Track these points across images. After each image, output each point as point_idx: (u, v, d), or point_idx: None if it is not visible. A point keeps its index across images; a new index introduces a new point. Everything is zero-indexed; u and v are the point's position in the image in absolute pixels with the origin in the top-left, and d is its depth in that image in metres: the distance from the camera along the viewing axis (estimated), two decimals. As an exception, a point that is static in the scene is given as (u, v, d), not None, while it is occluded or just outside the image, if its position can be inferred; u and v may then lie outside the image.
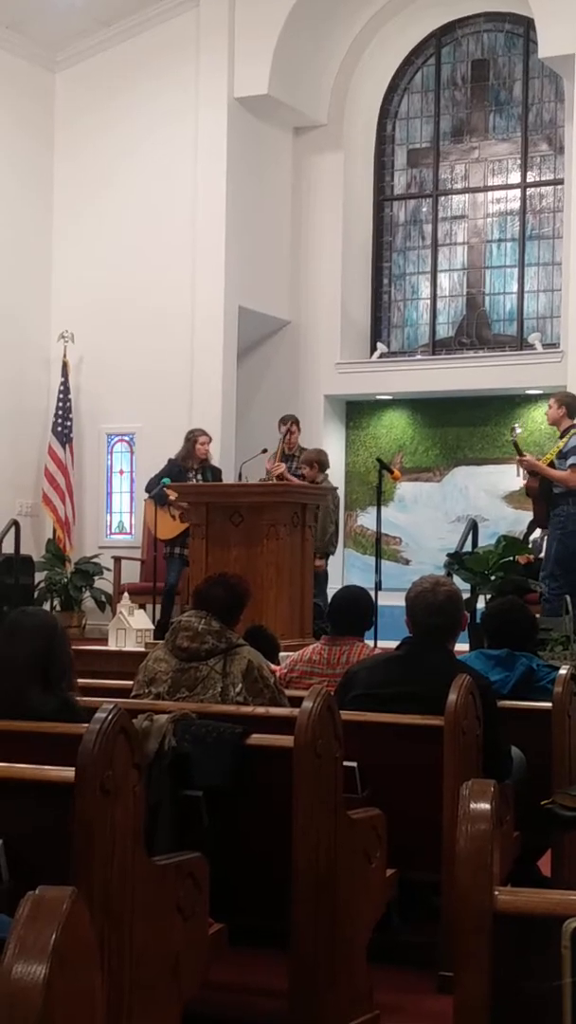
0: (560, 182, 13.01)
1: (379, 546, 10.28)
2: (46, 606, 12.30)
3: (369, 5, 13.49)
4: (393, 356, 13.79)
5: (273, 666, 5.26)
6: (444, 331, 13.82)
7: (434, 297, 13.80)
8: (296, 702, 4.02)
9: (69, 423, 13.16)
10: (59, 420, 13.13)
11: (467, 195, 13.72)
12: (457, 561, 9.91)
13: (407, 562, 13.30)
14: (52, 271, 13.53)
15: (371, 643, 6.30)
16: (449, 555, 10.24)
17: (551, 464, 9.89)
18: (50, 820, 2.95)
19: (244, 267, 13.01)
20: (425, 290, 13.88)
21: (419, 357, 13.72)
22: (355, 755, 4.04)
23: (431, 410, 13.47)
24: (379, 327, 14.03)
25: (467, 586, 9.46)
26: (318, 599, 10.07)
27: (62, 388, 13.17)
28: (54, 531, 13.10)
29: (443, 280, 13.84)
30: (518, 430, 10.94)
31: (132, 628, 9.43)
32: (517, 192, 13.45)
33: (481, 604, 8.85)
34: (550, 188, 13.31)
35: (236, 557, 8.88)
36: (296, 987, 3.53)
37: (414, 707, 4.44)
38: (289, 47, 12.83)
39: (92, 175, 13.36)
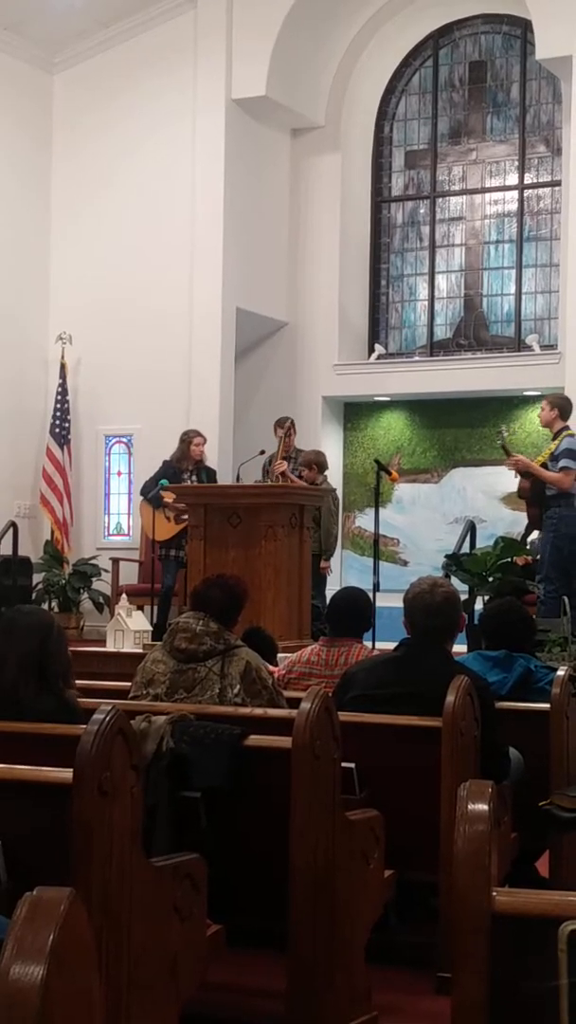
0: (558, 184, 13.02)
1: (377, 547, 10.29)
2: (44, 608, 12.29)
3: (367, 7, 13.50)
4: (391, 357, 13.79)
5: (271, 667, 5.26)
6: (442, 332, 13.82)
7: (432, 298, 13.81)
8: (294, 703, 4.02)
9: (67, 424, 13.16)
10: (57, 421, 13.13)
11: (465, 197, 13.73)
12: (455, 562, 9.92)
13: (405, 563, 13.30)
14: (50, 272, 13.53)
15: (369, 644, 6.30)
16: (447, 556, 10.25)
17: (543, 466, 9.89)
18: (48, 821, 2.95)
19: (242, 269, 13.02)
20: (423, 291, 13.88)
21: (417, 358, 13.72)
22: (353, 756, 4.04)
23: (429, 411, 13.47)
24: (377, 328, 14.03)
25: (465, 587, 9.47)
26: (316, 600, 10.08)
27: (60, 389, 13.17)
28: (52, 532, 13.10)
29: (441, 281, 13.85)
30: (505, 433, 10.96)
31: (130, 629, 9.45)
32: (515, 194, 13.46)
33: (479, 605, 8.86)
34: (548, 190, 13.31)
35: (234, 558, 8.88)
36: (294, 988, 3.53)
37: (412, 708, 4.44)
38: (287, 49, 12.84)
39: (90, 176, 13.37)
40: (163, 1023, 3.04)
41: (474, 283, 13.69)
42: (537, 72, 13.15)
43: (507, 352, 13.29)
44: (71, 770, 2.79)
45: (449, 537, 12.28)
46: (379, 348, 13.77)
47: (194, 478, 10.82)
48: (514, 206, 13.46)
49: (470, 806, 2.27)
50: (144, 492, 11.12)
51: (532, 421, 12.62)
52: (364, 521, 13.46)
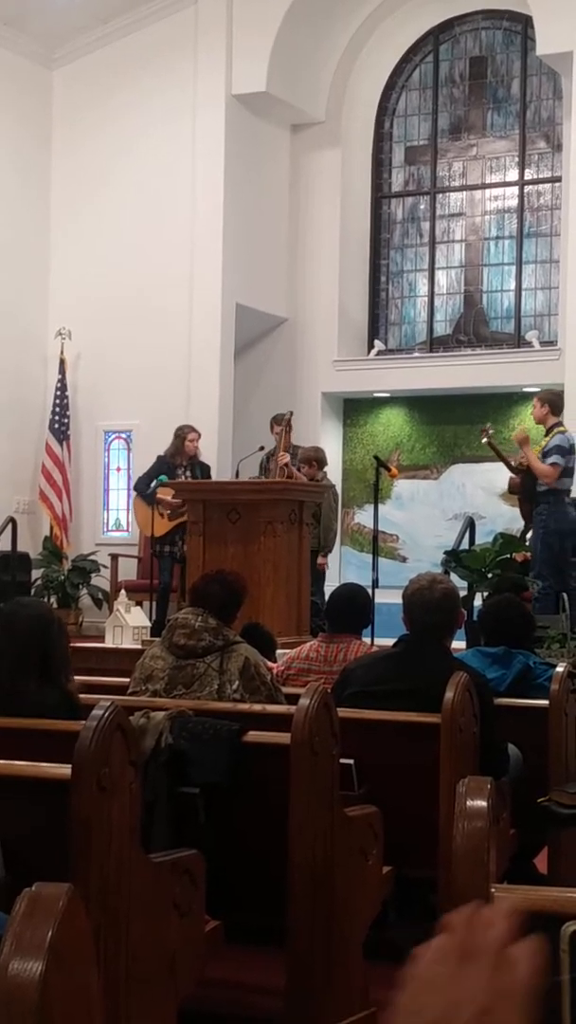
0: (558, 179, 13.01)
1: (376, 544, 10.28)
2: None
3: (367, 2, 13.48)
4: (390, 353, 13.79)
5: (270, 663, 5.27)
6: (441, 328, 13.82)
7: (432, 294, 13.80)
8: (293, 699, 4.02)
9: (66, 420, 13.16)
10: (56, 417, 13.12)
11: (465, 192, 13.72)
12: (454, 559, 9.92)
13: (404, 560, 13.30)
14: (50, 268, 13.52)
15: (368, 640, 6.30)
16: (446, 552, 10.24)
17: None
18: (46, 817, 2.95)
19: (242, 264, 13.01)
20: (423, 287, 13.88)
21: (416, 355, 13.72)
22: (352, 752, 4.04)
23: (428, 407, 13.47)
24: (376, 324, 14.03)
25: (464, 584, 9.46)
26: (315, 596, 10.08)
27: (59, 385, 13.17)
28: (51, 528, 13.10)
29: (441, 277, 13.84)
30: (491, 431, 10.97)
31: (129, 625, 9.46)
32: (515, 189, 13.45)
33: (478, 601, 8.85)
34: (548, 185, 13.31)
35: (233, 554, 8.87)
36: (293, 984, 3.54)
37: (411, 704, 4.44)
38: (287, 44, 12.83)
39: (90, 172, 13.36)
40: (161, 1019, 3.04)
41: (474, 279, 13.68)
42: (538, 68, 13.14)
43: (507, 348, 13.29)
44: (70, 766, 2.79)
45: (448, 533, 12.28)
46: (379, 344, 13.76)
47: (188, 474, 10.81)
48: (514, 202, 13.45)
49: (469, 802, 2.27)
50: (138, 488, 11.12)
51: (530, 418, 12.61)
52: (363, 517, 13.46)
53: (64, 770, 2.85)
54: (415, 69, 13.94)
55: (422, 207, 13.91)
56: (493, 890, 2.18)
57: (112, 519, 13.43)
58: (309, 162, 13.71)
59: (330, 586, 9.62)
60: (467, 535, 11.06)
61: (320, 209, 13.65)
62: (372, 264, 14.02)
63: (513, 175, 13.48)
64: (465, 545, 10.77)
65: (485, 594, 9.01)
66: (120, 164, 13.24)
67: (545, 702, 4.88)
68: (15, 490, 12.96)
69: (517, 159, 13.43)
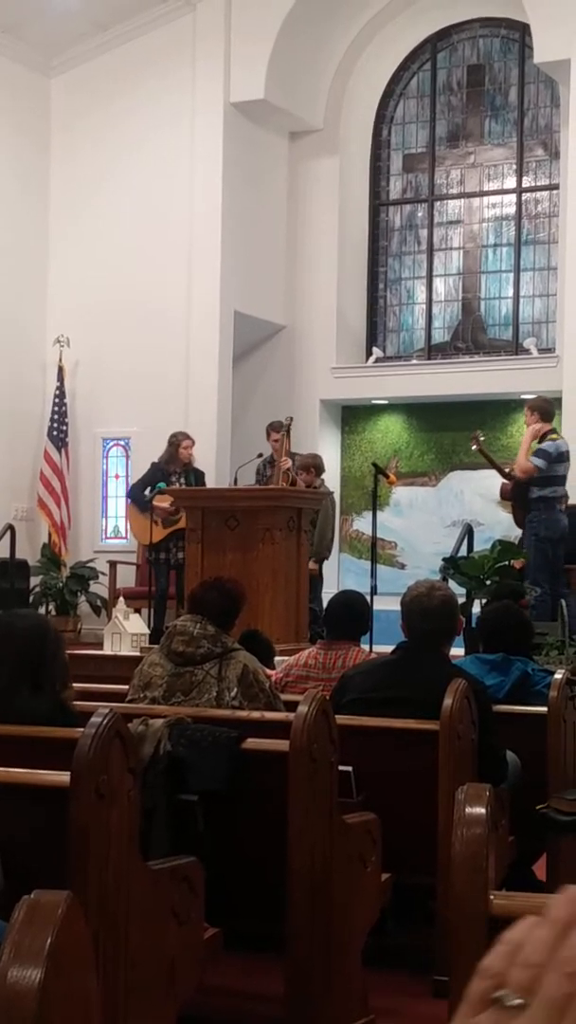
0: (555, 187, 13.03)
1: (375, 551, 10.28)
2: (41, 611, 12.28)
3: (365, 10, 13.51)
4: (389, 361, 13.80)
5: (268, 671, 5.27)
6: (439, 336, 13.83)
7: (429, 302, 13.82)
8: (291, 706, 4.02)
9: (64, 427, 13.16)
10: (54, 424, 13.12)
11: (463, 200, 13.74)
12: (452, 565, 9.92)
13: (403, 567, 13.30)
14: (48, 275, 13.53)
15: (366, 648, 6.30)
16: (444, 560, 10.24)
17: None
18: (45, 824, 2.95)
19: (240, 272, 13.02)
20: (421, 295, 13.89)
21: (415, 362, 13.73)
22: (350, 759, 4.04)
23: (427, 415, 13.48)
24: (375, 332, 14.04)
25: (462, 591, 9.46)
26: (313, 604, 10.08)
27: (58, 392, 13.17)
28: (49, 535, 13.09)
29: (439, 285, 13.85)
30: (481, 437, 11.00)
31: (127, 632, 9.44)
32: (513, 197, 13.47)
33: (476, 609, 8.85)
34: (545, 193, 13.32)
35: (232, 561, 8.87)
36: (291, 991, 3.53)
37: (409, 711, 4.44)
38: (285, 52, 12.85)
39: (88, 180, 13.37)
40: (160, 1026, 3.04)
41: (472, 286, 13.70)
42: (535, 76, 13.16)
43: (505, 355, 13.30)
44: (68, 773, 2.79)
45: (447, 540, 12.28)
46: (377, 351, 13.77)
47: (182, 481, 10.82)
48: (512, 210, 13.47)
49: (467, 809, 2.27)
50: (132, 495, 11.12)
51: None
52: (362, 524, 13.46)
53: (63, 777, 2.85)
54: (413, 77, 13.96)
55: (420, 214, 13.93)
56: (492, 897, 2.18)
57: (110, 526, 13.43)
58: (307, 170, 13.72)
59: (328, 593, 9.63)
60: (465, 542, 11.07)
61: (318, 216, 13.66)
62: (370, 271, 14.03)
63: (511, 182, 13.49)
64: (463, 552, 10.78)
65: (483, 601, 9.01)
66: (118, 172, 13.25)
67: (544, 709, 4.88)
68: (13, 497, 12.96)
69: (515, 167, 13.45)
